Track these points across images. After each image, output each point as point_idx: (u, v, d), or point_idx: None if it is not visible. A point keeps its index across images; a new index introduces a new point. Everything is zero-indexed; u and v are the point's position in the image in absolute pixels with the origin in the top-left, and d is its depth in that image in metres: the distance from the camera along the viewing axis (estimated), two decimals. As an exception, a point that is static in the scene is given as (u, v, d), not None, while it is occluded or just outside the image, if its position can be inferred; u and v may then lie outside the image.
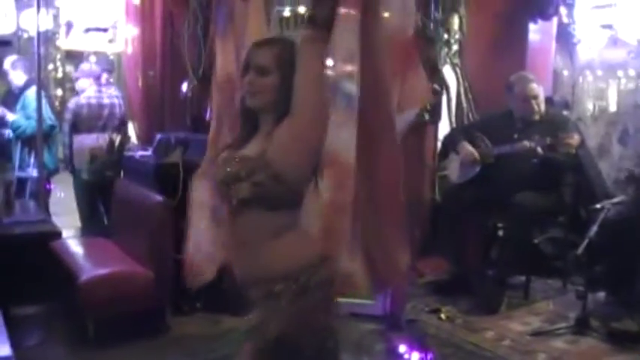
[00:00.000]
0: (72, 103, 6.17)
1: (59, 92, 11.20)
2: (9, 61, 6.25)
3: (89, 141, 5.99)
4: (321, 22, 2.03)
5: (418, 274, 5.48)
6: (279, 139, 2.12)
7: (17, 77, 6.27)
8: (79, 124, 6.05)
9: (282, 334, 2.19)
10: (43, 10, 5.86)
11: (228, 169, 2.19)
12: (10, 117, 6.16)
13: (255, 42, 2.32)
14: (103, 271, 4.60)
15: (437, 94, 5.32)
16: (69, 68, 11.97)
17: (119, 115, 6.23)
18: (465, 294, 5.28)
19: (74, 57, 11.44)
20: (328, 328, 2.27)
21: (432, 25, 5.33)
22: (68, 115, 6.12)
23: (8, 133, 6.22)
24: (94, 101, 6.06)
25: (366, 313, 5.47)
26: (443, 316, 4.93)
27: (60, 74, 11.72)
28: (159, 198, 4.75)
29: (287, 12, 5.90)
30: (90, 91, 6.11)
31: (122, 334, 3.64)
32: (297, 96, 2.08)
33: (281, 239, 2.21)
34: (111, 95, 6.20)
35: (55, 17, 6.75)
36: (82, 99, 6.11)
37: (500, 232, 5.33)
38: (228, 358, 4.72)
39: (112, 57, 7.08)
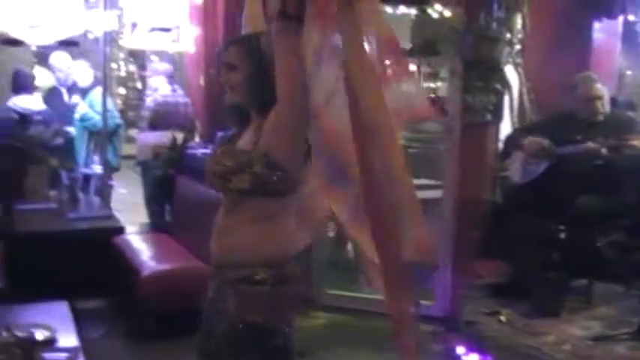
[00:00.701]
0: (150, 102, 6.30)
1: (122, 91, 11.44)
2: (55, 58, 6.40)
3: (152, 138, 6.10)
4: (292, 15, 2.08)
5: (477, 276, 5.43)
6: (267, 130, 2.23)
7: (82, 77, 6.42)
8: (155, 122, 6.18)
9: (259, 320, 2.29)
10: (108, 10, 6.00)
11: (229, 164, 2.29)
12: (82, 108, 6.29)
13: (225, 42, 2.35)
14: (163, 266, 4.68)
15: (499, 94, 5.26)
16: (131, 68, 12.24)
17: (188, 114, 6.32)
18: (525, 297, 5.22)
19: (137, 56, 11.69)
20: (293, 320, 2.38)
21: (494, 24, 5.27)
22: (147, 113, 6.25)
23: (72, 131, 6.37)
24: (170, 99, 6.18)
25: (425, 313, 5.45)
26: (502, 318, 4.89)
27: (123, 73, 11.98)
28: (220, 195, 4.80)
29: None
30: (165, 89, 6.23)
31: (180, 330, 3.69)
32: (278, 87, 2.16)
33: (270, 227, 2.34)
34: (181, 94, 6.32)
35: (119, 18, 6.87)
36: (160, 97, 6.24)
37: (562, 235, 5.26)
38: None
39: (173, 56, 7.20)
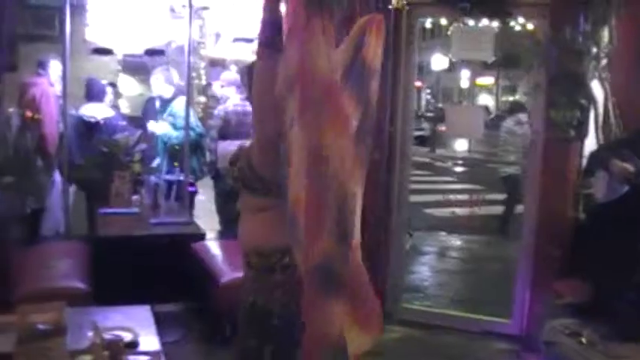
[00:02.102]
0: (221, 111, 6.39)
1: (202, 99, 11.63)
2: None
3: (232, 147, 6.17)
4: (264, 42, 2.32)
5: (557, 295, 5.30)
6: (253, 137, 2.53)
7: (163, 87, 6.56)
8: (225, 131, 6.26)
9: (253, 300, 2.55)
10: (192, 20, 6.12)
11: (235, 152, 2.67)
12: (158, 129, 6.44)
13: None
14: (242, 274, 4.71)
15: (584, 110, 5.14)
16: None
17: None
18: (606, 318, 5.07)
19: (217, 66, 11.88)
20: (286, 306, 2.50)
21: (580, 37, 5.16)
22: (217, 122, 6.35)
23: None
24: (240, 109, 6.25)
25: (501, 331, 5.36)
26: (584, 340, 4.74)
27: (203, 82, 12.19)
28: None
29: (428, 24, 5.89)
30: (235, 99, 6.31)
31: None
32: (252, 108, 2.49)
33: (257, 218, 2.57)
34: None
35: (201, 27, 7.00)
36: (230, 106, 6.32)
37: (648, 255, 5.09)
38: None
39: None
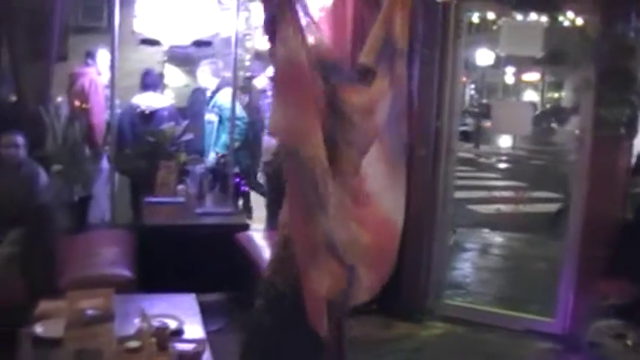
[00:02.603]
0: (265, 104, 6.42)
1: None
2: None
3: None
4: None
5: (602, 296, 5.22)
6: None
7: (208, 79, 6.60)
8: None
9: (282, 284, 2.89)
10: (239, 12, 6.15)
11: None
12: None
13: None
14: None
15: (634, 107, 5.05)
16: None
17: None
18: (653, 320, 4.99)
19: (262, 58, 11.91)
20: None
21: (632, 33, 5.07)
22: (262, 115, 6.38)
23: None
24: None
25: (543, 330, 5.31)
26: (629, 342, 4.67)
27: (248, 74, 12.25)
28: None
29: (475, 18, 5.84)
30: None
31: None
32: None
33: None
34: None
35: (247, 19, 7.02)
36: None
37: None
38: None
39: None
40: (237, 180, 6.35)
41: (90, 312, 2.30)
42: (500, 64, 31.15)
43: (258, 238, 5.23)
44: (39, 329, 2.63)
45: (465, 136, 21.30)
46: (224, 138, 6.32)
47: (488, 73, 32.29)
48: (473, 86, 36.76)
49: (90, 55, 6.69)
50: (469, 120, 23.69)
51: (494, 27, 5.79)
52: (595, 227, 5.05)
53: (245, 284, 4.91)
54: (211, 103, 6.57)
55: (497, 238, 9.06)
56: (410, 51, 5.35)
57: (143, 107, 6.18)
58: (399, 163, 3.21)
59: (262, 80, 6.92)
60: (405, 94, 3.11)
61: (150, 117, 6.22)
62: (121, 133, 6.10)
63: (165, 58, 8.95)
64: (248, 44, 8.29)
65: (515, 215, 9.41)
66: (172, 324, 2.67)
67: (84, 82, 6.41)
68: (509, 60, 30.90)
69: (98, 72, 6.62)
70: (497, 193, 10.60)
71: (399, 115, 3.11)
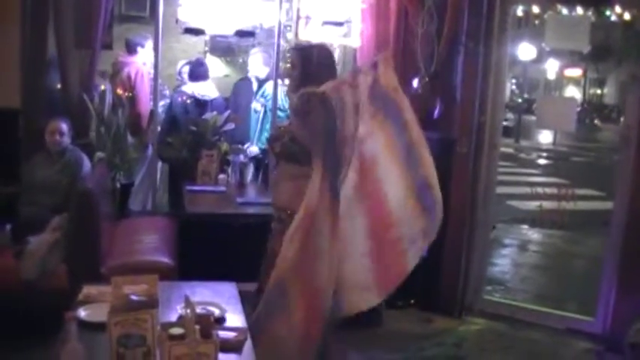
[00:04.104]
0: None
1: (287, 82, 11.72)
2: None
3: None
4: None
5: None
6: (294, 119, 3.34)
7: (260, 68, 6.61)
8: None
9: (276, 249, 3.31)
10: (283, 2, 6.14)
11: (273, 133, 3.52)
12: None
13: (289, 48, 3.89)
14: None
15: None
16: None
17: None
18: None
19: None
20: None
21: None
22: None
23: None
24: None
25: (583, 329, 5.24)
26: (674, 344, 4.59)
27: (288, 65, 12.27)
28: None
29: (520, 12, 5.77)
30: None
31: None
32: None
33: (293, 183, 3.32)
34: None
35: (288, 11, 7.01)
36: None
37: None
38: (436, 359, 4.75)
39: (337, 49, 7.27)
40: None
41: (135, 298, 2.32)
42: (542, 58, 30.83)
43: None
44: (83, 313, 2.66)
45: (506, 131, 21.15)
46: (268, 129, 6.34)
47: (530, 68, 31.97)
48: (514, 81, 36.44)
49: (133, 44, 6.74)
50: (510, 115, 23.50)
51: (537, 21, 5.72)
52: (639, 225, 4.96)
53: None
54: (259, 93, 6.58)
55: (537, 234, 8.97)
56: (455, 44, 5.35)
57: (199, 96, 6.21)
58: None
59: None
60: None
61: (205, 105, 6.24)
62: (172, 122, 6.13)
63: (207, 48, 9.01)
64: (289, 35, 8.29)
65: (557, 212, 9.29)
66: (215, 311, 2.69)
67: (130, 71, 6.46)
68: (552, 55, 30.58)
69: (143, 61, 6.68)
70: (540, 190, 10.46)
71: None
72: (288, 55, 3.59)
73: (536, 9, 5.79)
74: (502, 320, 5.46)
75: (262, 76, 6.55)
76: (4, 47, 5.29)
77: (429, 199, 3.41)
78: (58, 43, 5.30)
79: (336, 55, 6.81)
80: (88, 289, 2.96)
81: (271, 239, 3.53)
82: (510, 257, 7.76)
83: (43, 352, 2.42)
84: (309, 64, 3.46)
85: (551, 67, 36.75)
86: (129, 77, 6.39)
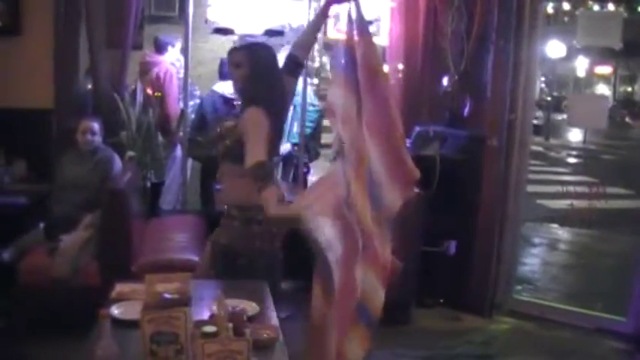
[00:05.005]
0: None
1: (315, 81, 11.73)
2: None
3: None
4: None
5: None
6: (243, 122, 3.21)
7: None
8: None
9: (229, 244, 3.35)
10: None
11: (217, 132, 3.41)
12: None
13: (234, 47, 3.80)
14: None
15: None
16: (324, 59, 12.54)
17: None
18: None
19: (329, 48, 11.94)
20: (260, 251, 3.35)
21: None
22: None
23: None
24: None
25: (615, 329, 5.19)
26: None
27: (317, 64, 12.28)
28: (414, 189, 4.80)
29: (550, 9, 5.71)
30: None
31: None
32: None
33: (242, 181, 3.20)
34: None
35: (316, 10, 7.01)
36: None
37: None
38: (465, 357, 4.73)
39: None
40: (305, 170, 6.36)
41: (167, 295, 2.33)
42: (571, 56, 30.54)
43: (327, 227, 5.23)
44: (116, 311, 2.68)
45: (535, 130, 20.99)
46: (296, 127, 6.34)
47: (559, 66, 31.70)
48: (543, 79, 36.13)
49: (162, 44, 6.77)
50: (539, 113, 23.31)
51: (566, 18, 5.66)
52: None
53: (313, 272, 4.91)
54: None
55: (567, 233, 8.89)
56: (485, 42, 5.32)
57: (228, 95, 6.24)
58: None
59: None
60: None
61: (234, 104, 6.26)
62: (202, 120, 6.16)
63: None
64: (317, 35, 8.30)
65: (587, 211, 9.20)
66: (248, 309, 2.70)
67: (159, 71, 6.49)
68: (581, 52, 30.27)
69: (171, 61, 6.71)
70: (570, 188, 10.38)
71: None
72: (230, 55, 3.44)
73: (566, 5, 5.72)
74: (531, 319, 5.43)
75: None
76: (38, 49, 5.37)
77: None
78: (89, 43, 5.36)
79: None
80: (121, 287, 2.98)
81: (220, 233, 3.43)
82: (540, 256, 7.70)
83: (76, 348, 2.43)
84: (258, 64, 3.34)
85: (581, 65, 36.37)
86: (157, 78, 6.42)
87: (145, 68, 6.58)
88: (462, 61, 5.36)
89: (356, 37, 3.15)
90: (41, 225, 4.80)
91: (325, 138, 6.83)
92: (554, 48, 24.55)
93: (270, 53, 3.46)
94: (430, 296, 5.34)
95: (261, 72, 3.33)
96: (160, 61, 6.61)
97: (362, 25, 3.23)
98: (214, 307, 2.41)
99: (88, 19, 5.30)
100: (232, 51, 3.50)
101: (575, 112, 5.91)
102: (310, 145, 6.51)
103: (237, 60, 3.37)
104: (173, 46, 6.68)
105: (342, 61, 3.10)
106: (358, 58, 3.06)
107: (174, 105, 6.43)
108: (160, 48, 6.76)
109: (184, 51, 6.03)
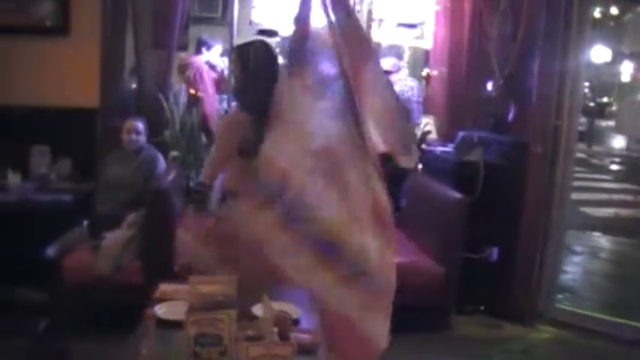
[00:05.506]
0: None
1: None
2: None
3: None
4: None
5: None
6: None
7: None
8: None
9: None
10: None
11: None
12: None
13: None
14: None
15: None
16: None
17: (409, 105, 6.27)
18: None
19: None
20: None
21: None
22: None
23: None
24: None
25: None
26: None
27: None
28: (457, 195, 4.77)
29: (597, 13, 5.63)
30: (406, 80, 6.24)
31: (404, 325, 3.71)
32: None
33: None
34: (406, 85, 6.27)
35: (358, 12, 6.99)
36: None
37: None
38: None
39: (407, 50, 7.23)
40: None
41: (212, 297, 2.34)
42: (616, 61, 30.06)
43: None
44: (160, 311, 2.70)
45: (578, 136, 20.67)
46: None
47: (603, 71, 31.21)
48: (587, 84, 35.63)
49: (202, 44, 6.82)
50: (582, 119, 22.97)
51: (612, 23, 5.58)
52: None
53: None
54: None
55: (610, 242, 8.75)
56: (530, 46, 5.26)
57: None
58: None
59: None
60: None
61: None
62: None
63: (279, 49, 9.05)
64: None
65: (631, 220, 9.05)
66: (291, 313, 2.69)
67: (190, 72, 6.54)
68: (626, 57, 29.79)
69: (210, 63, 6.75)
70: (615, 196, 10.21)
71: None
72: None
73: (614, 10, 5.64)
74: (572, 329, 5.35)
75: None
76: (85, 49, 5.44)
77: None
78: (135, 43, 5.42)
79: (406, 56, 6.80)
80: (164, 287, 3.00)
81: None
82: (582, 265, 7.59)
83: (118, 346, 2.46)
84: (246, 64, 3.36)
85: (626, 70, 35.80)
86: (190, 77, 6.47)
87: (181, 68, 6.63)
88: (507, 65, 5.31)
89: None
90: (85, 223, 4.86)
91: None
92: (599, 53, 24.22)
93: (261, 51, 3.43)
94: (471, 303, 5.30)
95: (249, 71, 3.34)
96: (194, 61, 6.65)
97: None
98: (259, 310, 2.41)
99: (135, 19, 5.36)
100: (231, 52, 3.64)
101: (624, 118, 5.81)
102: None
103: (232, 60, 3.49)
104: (208, 47, 6.71)
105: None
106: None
107: (211, 105, 6.46)
108: (197, 48, 6.82)
109: (228, 52, 6.06)
